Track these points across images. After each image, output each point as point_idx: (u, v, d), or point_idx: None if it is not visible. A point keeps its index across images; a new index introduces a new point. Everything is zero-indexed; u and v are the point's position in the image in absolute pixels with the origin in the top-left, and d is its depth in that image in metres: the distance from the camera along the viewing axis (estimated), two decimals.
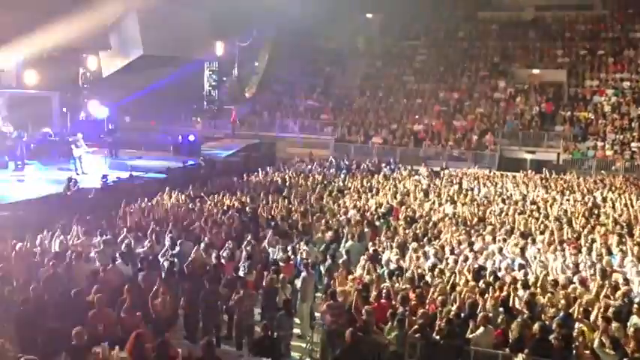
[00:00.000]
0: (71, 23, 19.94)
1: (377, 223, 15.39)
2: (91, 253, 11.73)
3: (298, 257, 12.17)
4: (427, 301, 9.88)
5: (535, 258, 12.41)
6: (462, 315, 9.24)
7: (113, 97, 27.91)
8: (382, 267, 11.79)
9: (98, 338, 7.98)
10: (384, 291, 10.05)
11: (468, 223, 15.64)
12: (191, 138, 26.10)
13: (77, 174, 19.87)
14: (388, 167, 25.91)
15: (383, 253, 12.78)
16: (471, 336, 8.75)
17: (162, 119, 31.49)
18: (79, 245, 12.24)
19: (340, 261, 12.05)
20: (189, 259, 11.47)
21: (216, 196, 18.03)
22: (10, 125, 22.95)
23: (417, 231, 14.54)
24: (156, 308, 9.48)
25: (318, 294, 11.81)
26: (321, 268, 12.26)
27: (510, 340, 8.68)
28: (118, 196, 17.13)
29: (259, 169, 23.92)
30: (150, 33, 25.95)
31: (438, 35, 39.97)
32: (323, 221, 15.04)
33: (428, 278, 10.94)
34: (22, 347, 7.92)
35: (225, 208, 16.40)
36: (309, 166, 25.99)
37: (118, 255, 11.29)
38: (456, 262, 11.91)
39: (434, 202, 18.18)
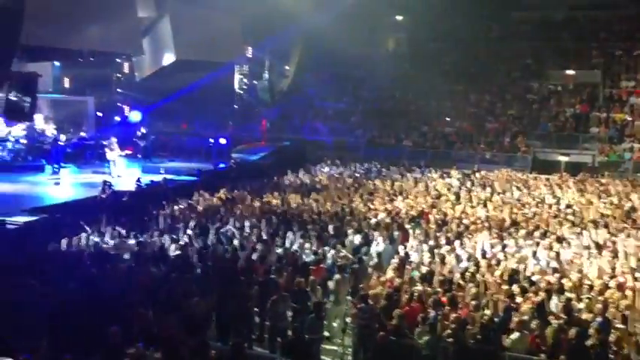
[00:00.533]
0: (105, 28, 20.31)
1: (407, 226, 15.29)
2: (126, 255, 11.93)
3: (329, 260, 12.16)
4: (459, 305, 9.78)
5: (570, 262, 12.18)
6: (496, 320, 9.12)
7: (146, 101, 28.33)
8: (413, 270, 11.72)
9: (133, 338, 8.09)
10: (415, 294, 9.98)
11: (501, 226, 15.42)
12: (222, 141, 26.32)
13: (112, 177, 20.22)
14: (419, 170, 25.73)
15: (414, 256, 12.71)
16: (505, 341, 8.62)
17: (193, 123, 31.86)
18: (113, 246, 12.47)
19: (371, 264, 12.01)
20: (221, 260, 11.58)
21: (246, 198, 18.15)
22: (52, 125, 23.55)
23: (449, 234, 14.41)
24: (190, 309, 9.56)
25: (349, 297, 11.78)
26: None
27: (546, 346, 8.53)
28: (151, 198, 17.41)
29: (289, 171, 24.00)
30: (182, 37, 26.28)
31: (469, 36, 39.51)
32: (353, 224, 15.01)
33: (460, 282, 10.84)
34: (58, 347, 8.08)
35: (256, 210, 16.50)
36: (339, 169, 25.99)
37: (151, 256, 11.46)
38: (488, 265, 11.76)
39: (465, 205, 17.99)
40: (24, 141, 22.26)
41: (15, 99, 18.48)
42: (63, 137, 23.11)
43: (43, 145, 22.50)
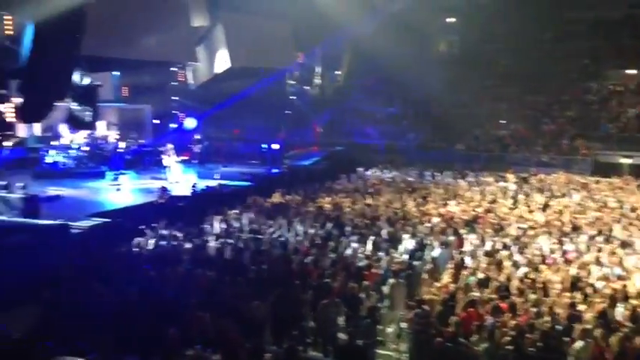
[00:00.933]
0: (162, 39, 20.87)
1: (462, 231, 15.04)
2: (183, 258, 12.19)
3: (383, 264, 12.09)
4: (519, 311, 9.53)
5: (635, 268, 11.71)
6: (558, 327, 8.84)
7: (201, 108, 28.92)
8: (469, 276, 11.51)
9: (191, 341, 8.24)
10: (472, 300, 9.80)
11: (561, 230, 14.97)
12: (275, 146, 26.61)
13: (169, 183, 20.72)
14: (472, 174, 25.30)
15: (469, 261, 12.48)
16: (569, 350, 8.35)
17: (246, 128, 32.32)
18: (171, 249, 12.76)
19: (425, 269, 11.87)
20: (275, 264, 11.67)
21: (300, 203, 18.27)
22: (113, 133, 24.39)
23: (506, 239, 14.09)
24: (246, 312, 9.66)
25: (404, 302, 11.66)
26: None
27: (611, 356, 8.21)
28: (207, 203, 17.75)
29: (342, 176, 24.01)
30: (235, 45, 26.73)
31: (522, 37, 38.59)
32: (407, 228, 14.89)
33: (519, 288, 10.57)
34: (120, 348, 8.32)
35: (309, 214, 16.58)
36: (391, 173, 25.84)
37: (207, 259, 11.67)
38: (549, 271, 11.43)
39: (523, 209, 17.56)
40: (86, 148, 23.14)
41: (78, 108, 19.21)
42: (122, 144, 23.88)
43: (103, 152, 23.32)
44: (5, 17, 15.95)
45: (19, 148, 22.78)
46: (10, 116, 16.73)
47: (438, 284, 11.00)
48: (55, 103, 19.92)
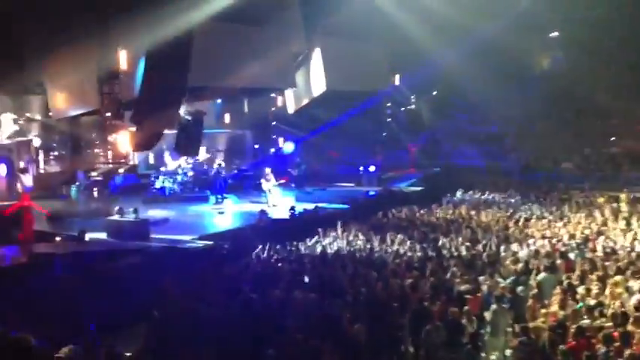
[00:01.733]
0: (262, 66, 21.54)
1: (571, 255, 14.25)
2: (282, 279, 12.39)
3: (485, 289, 11.69)
4: (634, 341, 8.86)
5: None
6: None
7: (299, 132, 29.55)
8: (579, 302, 10.85)
9: None
10: (582, 328, 9.22)
11: None
12: (372, 169, 26.63)
13: (268, 206, 21.24)
14: (581, 194, 23.99)
15: (579, 287, 11.77)
16: None
17: (343, 151, 32.63)
18: (270, 271, 13.02)
19: (530, 294, 11.35)
20: (373, 287, 11.60)
21: (398, 225, 18.11)
22: (215, 158, 25.50)
23: (619, 263, 13.18)
24: (347, 335, 9.63)
25: (508, 329, 11.19)
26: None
27: None
28: (304, 226, 18.02)
29: (440, 198, 23.58)
30: (332, 69, 27.10)
31: (632, 50, 36.33)
32: (510, 252, 14.33)
33: (634, 315, 9.82)
34: None
35: (407, 237, 16.40)
36: (493, 194, 25.05)
37: (305, 281, 11.81)
38: None
39: (637, 232, 16.39)
40: (191, 173, 24.30)
41: (184, 135, 20.22)
42: (225, 169, 24.86)
43: (207, 178, 24.39)
44: (119, 50, 17.19)
45: (130, 174, 24.31)
46: (124, 145, 17.95)
47: (544, 310, 10.46)
48: (164, 132, 21.15)
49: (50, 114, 20.76)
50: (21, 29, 17.11)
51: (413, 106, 35.87)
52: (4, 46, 16.97)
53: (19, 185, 17.50)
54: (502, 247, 14.90)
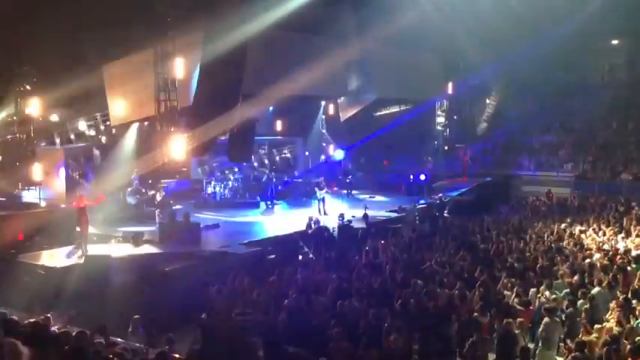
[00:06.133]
0: (314, 74, 21.66)
1: (629, 268, 13.71)
2: (329, 287, 12.41)
3: (537, 301, 11.40)
4: None
5: None
6: None
7: (350, 139, 29.55)
8: (637, 318, 10.44)
9: None
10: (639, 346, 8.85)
11: None
12: (422, 177, 26.38)
13: (319, 214, 21.25)
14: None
15: (637, 303, 11.31)
16: None
17: (394, 159, 32.43)
18: (318, 279, 13.06)
19: (584, 308, 10.99)
20: (421, 297, 11.48)
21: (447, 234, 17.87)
22: (266, 165, 25.83)
23: None
24: (389, 344, 9.57)
25: (561, 344, 10.87)
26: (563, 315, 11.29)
27: None
28: (354, 234, 17.99)
29: (492, 208, 23.13)
30: (383, 77, 27.06)
31: None
32: (565, 265, 13.92)
33: None
34: None
35: (453, 247, 16.17)
36: (548, 205, 24.41)
37: (352, 290, 11.77)
38: None
39: None
40: (242, 179, 24.60)
41: (237, 142, 20.57)
42: (275, 176, 25.09)
43: (258, 184, 24.67)
44: (177, 59, 17.67)
45: (184, 180, 24.85)
46: (179, 151, 18.32)
47: (598, 326, 10.10)
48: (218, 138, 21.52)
49: (109, 121, 21.32)
50: (84, 37, 17.78)
51: (466, 115, 35.37)
52: (69, 50, 17.63)
53: (78, 189, 18.00)
54: (556, 259, 14.49)
